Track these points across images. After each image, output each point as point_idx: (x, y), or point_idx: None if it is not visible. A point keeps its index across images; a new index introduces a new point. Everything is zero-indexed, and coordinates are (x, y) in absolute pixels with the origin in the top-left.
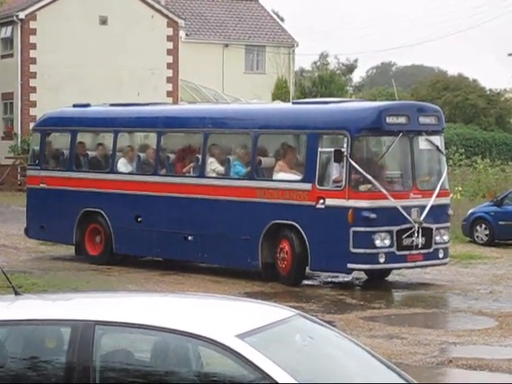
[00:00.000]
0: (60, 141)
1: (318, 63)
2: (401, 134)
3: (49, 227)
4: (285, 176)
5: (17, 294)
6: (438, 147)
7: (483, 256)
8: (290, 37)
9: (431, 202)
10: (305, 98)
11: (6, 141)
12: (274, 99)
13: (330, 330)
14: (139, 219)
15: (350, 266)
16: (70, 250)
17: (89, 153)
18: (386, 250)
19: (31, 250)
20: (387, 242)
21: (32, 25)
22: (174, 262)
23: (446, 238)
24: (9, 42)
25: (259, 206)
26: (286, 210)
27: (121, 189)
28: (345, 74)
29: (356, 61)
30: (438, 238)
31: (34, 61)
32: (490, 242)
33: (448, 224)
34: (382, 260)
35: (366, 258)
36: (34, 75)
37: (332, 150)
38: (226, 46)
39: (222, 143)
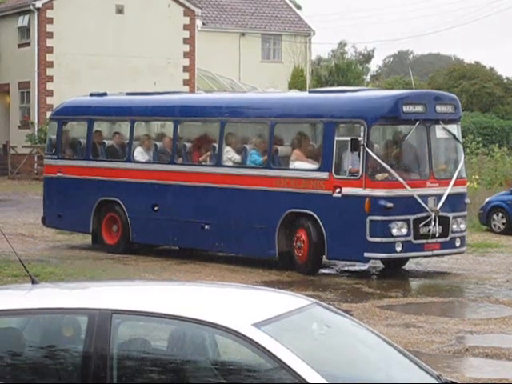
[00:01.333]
0: (77, 130)
1: (337, 52)
2: (418, 123)
3: (66, 216)
4: (301, 165)
5: (34, 282)
6: (454, 136)
7: (500, 245)
8: (307, 25)
9: (448, 190)
10: (321, 86)
11: (23, 130)
12: (290, 88)
13: (347, 318)
14: (156, 208)
15: (366, 254)
16: (87, 239)
17: (105, 142)
18: (403, 239)
19: (48, 238)
20: (404, 230)
21: (49, 14)
22: (190, 251)
23: (462, 226)
24: (25, 31)
25: (276, 195)
26: (302, 199)
27: (137, 178)
28: (362, 63)
29: (373, 50)
30: (454, 226)
31: (50, 50)
32: (507, 231)
33: (465, 213)
34: (398, 249)
35: (382, 246)
36: (50, 64)
37: (349, 138)
38: (243, 34)
39: (238, 132)
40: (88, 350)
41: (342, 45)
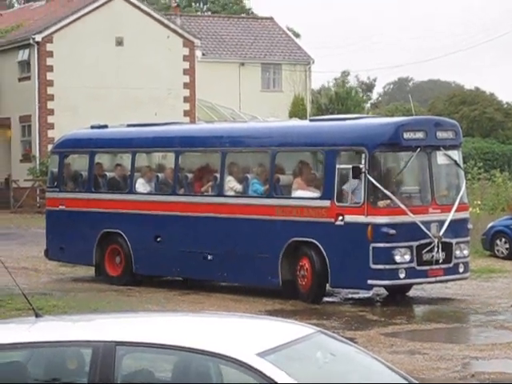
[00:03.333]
0: (78, 162)
1: (339, 80)
2: (419, 150)
3: (68, 249)
4: (303, 193)
5: (37, 316)
6: (456, 162)
7: (504, 270)
8: (306, 54)
9: (450, 216)
10: (321, 115)
11: (24, 163)
12: (290, 117)
13: (352, 346)
14: (158, 239)
15: (370, 282)
16: (90, 272)
17: (107, 174)
18: (406, 266)
19: (51, 271)
20: (407, 257)
21: (49, 47)
22: (194, 282)
23: (466, 252)
24: (26, 64)
25: (278, 224)
26: (305, 228)
27: (140, 209)
28: (364, 92)
29: (375, 80)
30: (458, 252)
31: (51, 83)
32: (511, 256)
33: (468, 238)
34: (402, 275)
35: (386, 273)
36: (51, 97)
37: (350, 166)
38: (242, 64)
39: (239, 162)
40: (92, 383)
41: (346, 74)
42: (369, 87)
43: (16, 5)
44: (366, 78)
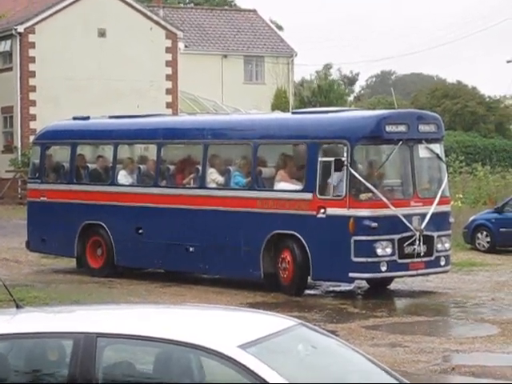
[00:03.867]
0: (60, 154)
1: (321, 73)
2: (401, 143)
3: (50, 240)
4: (285, 186)
5: (18, 307)
6: (438, 155)
7: (485, 263)
8: (289, 47)
9: (432, 209)
10: (304, 107)
11: (6, 154)
12: (273, 109)
13: (333, 339)
14: (140, 231)
15: (351, 275)
16: (72, 263)
17: (89, 165)
18: (388, 259)
19: (33, 263)
20: (389, 250)
21: (31, 38)
22: (175, 274)
23: (447, 245)
24: (8, 55)
25: (260, 217)
26: (286, 220)
27: (121, 201)
28: (346, 85)
29: (358, 74)
30: (439, 245)
31: (33, 74)
32: (492, 249)
33: (449, 231)
34: (383, 268)
35: (367, 266)
36: (33, 88)
37: (332, 159)
38: (225, 56)
39: (221, 154)
40: (73, 374)
41: (328, 67)
42: (351, 81)
43: None
44: (349, 72)
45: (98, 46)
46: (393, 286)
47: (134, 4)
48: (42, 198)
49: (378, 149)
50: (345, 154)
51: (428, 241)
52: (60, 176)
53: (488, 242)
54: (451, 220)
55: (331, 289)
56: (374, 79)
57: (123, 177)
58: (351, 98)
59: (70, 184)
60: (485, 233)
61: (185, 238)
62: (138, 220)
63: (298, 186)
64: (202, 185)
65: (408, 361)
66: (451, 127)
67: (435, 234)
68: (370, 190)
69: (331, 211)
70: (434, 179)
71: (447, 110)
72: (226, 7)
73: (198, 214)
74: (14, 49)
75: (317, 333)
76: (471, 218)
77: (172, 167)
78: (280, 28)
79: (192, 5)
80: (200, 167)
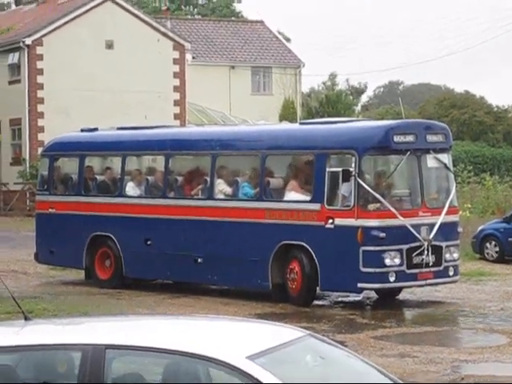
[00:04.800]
0: (68, 165)
1: (328, 83)
2: (409, 153)
3: (58, 252)
4: (293, 196)
5: (27, 319)
6: (446, 165)
7: (493, 273)
8: (296, 57)
9: (440, 219)
10: (312, 118)
11: (14, 166)
12: (281, 120)
13: (341, 349)
14: (149, 242)
15: (360, 285)
16: (80, 275)
17: (97, 177)
18: (396, 269)
19: (41, 275)
20: (397, 260)
21: (39, 50)
22: (184, 285)
23: (455, 255)
24: (16, 67)
25: (268, 227)
26: (295, 231)
27: (130, 212)
28: (354, 97)
29: (366, 84)
30: (447, 255)
31: (41, 86)
32: (500, 259)
33: (458, 241)
34: (392, 279)
35: (376, 277)
36: (41, 100)
37: (340, 169)
38: (233, 67)
39: (230, 165)
40: None
41: (333, 76)
42: (359, 92)
43: (13, 6)
44: (357, 83)
45: (106, 57)
46: (401, 296)
47: (142, 16)
48: (50, 210)
49: (386, 159)
50: (353, 165)
51: (436, 251)
52: (68, 188)
53: (497, 252)
54: (460, 230)
55: (340, 299)
56: (381, 89)
57: (131, 188)
58: (359, 107)
59: (79, 196)
60: (493, 242)
61: (193, 249)
62: (147, 231)
63: (307, 197)
64: (210, 196)
65: (417, 371)
66: (459, 137)
67: (444, 244)
68: (378, 201)
69: (339, 221)
70: (442, 189)
71: (455, 120)
72: (233, 18)
73: (207, 224)
74: (22, 61)
75: (325, 343)
76: (480, 228)
77: (180, 178)
78: (287, 39)
79: (199, 16)
80: (208, 178)
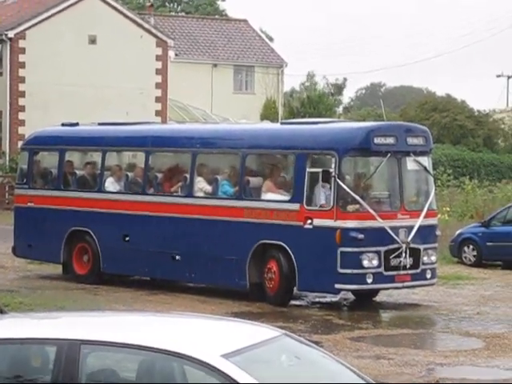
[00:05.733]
0: (48, 160)
1: (306, 83)
2: (389, 155)
3: (36, 246)
4: (273, 196)
5: (3, 312)
6: (425, 168)
7: (471, 277)
8: (279, 57)
9: (419, 222)
10: (293, 118)
11: None
12: (262, 119)
13: (317, 350)
14: (127, 238)
15: (337, 286)
16: (58, 269)
17: (77, 172)
18: (374, 271)
19: (19, 268)
20: (375, 262)
21: (21, 44)
22: (161, 282)
23: (433, 258)
24: None
25: (247, 226)
26: (273, 230)
27: (109, 208)
28: (334, 95)
29: (345, 81)
30: (425, 258)
31: (22, 80)
32: (478, 263)
33: (436, 244)
34: (369, 280)
35: (353, 278)
36: (22, 94)
37: (320, 170)
38: (215, 66)
39: (210, 163)
40: (56, 381)
41: (311, 76)
42: (339, 89)
43: None
44: (335, 80)
45: (89, 52)
46: (378, 297)
47: (125, 11)
48: (29, 204)
49: (366, 161)
50: (333, 166)
51: (414, 253)
52: (48, 182)
53: (474, 256)
54: (438, 233)
55: (317, 300)
56: (363, 91)
57: (111, 184)
58: (340, 109)
59: (58, 190)
60: (471, 246)
61: (171, 246)
62: (125, 227)
63: (286, 197)
64: (190, 193)
65: (392, 373)
66: (439, 140)
67: (422, 247)
68: (357, 202)
69: (318, 222)
70: (422, 192)
71: (436, 123)
72: (216, 16)
73: (185, 222)
74: (3, 54)
75: (301, 344)
76: (458, 232)
77: (160, 175)
78: (270, 39)
79: (183, 13)
80: (188, 176)
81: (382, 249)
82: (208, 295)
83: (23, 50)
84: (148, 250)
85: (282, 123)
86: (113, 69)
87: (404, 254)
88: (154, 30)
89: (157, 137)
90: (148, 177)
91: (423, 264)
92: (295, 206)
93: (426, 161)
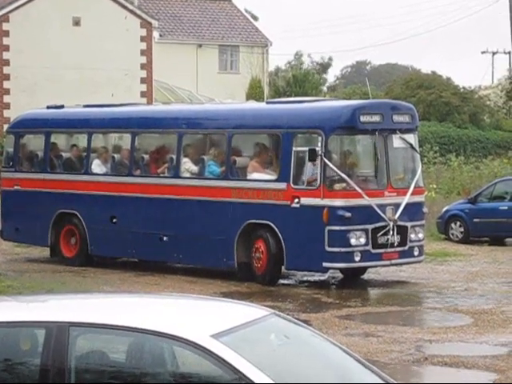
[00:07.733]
0: (34, 142)
1: (293, 62)
2: (376, 133)
3: (24, 229)
4: (259, 176)
5: None
6: (412, 145)
7: (458, 253)
8: (264, 36)
9: (406, 200)
10: (279, 97)
11: None
12: (248, 99)
13: (306, 328)
14: (114, 220)
15: (325, 264)
16: (45, 252)
17: (63, 154)
18: (362, 249)
19: (6, 252)
20: (362, 240)
21: (5, 26)
22: (149, 263)
23: (420, 235)
24: None
25: (234, 206)
26: (261, 210)
27: (95, 190)
28: (319, 73)
29: (331, 59)
30: (413, 235)
31: (7, 62)
32: (465, 240)
33: (423, 222)
34: (357, 258)
35: (341, 256)
36: (7, 77)
37: (306, 149)
38: (200, 46)
39: (196, 143)
40: (45, 363)
41: (299, 55)
42: (324, 68)
43: None
44: (320, 58)
45: (73, 34)
46: (366, 275)
47: None
48: (15, 187)
49: (353, 139)
50: (319, 144)
51: (402, 231)
52: (34, 165)
53: (461, 233)
54: (425, 210)
55: (305, 278)
56: (349, 69)
57: (97, 166)
58: (325, 88)
59: (44, 173)
60: (458, 223)
61: (158, 228)
62: (112, 209)
63: (273, 176)
64: (176, 174)
65: (381, 351)
66: (425, 118)
67: (409, 225)
68: (344, 180)
69: (305, 201)
70: (408, 169)
71: (422, 101)
72: None
73: (172, 203)
74: None
75: (290, 322)
76: (445, 209)
77: (146, 156)
78: (255, 18)
79: None
80: (174, 156)
81: (370, 227)
82: (196, 275)
83: (7, 33)
84: (135, 231)
85: (267, 102)
86: (97, 50)
87: (391, 232)
88: (138, 11)
89: (142, 118)
90: (134, 158)
91: (411, 241)
92: (282, 186)
93: (412, 138)
